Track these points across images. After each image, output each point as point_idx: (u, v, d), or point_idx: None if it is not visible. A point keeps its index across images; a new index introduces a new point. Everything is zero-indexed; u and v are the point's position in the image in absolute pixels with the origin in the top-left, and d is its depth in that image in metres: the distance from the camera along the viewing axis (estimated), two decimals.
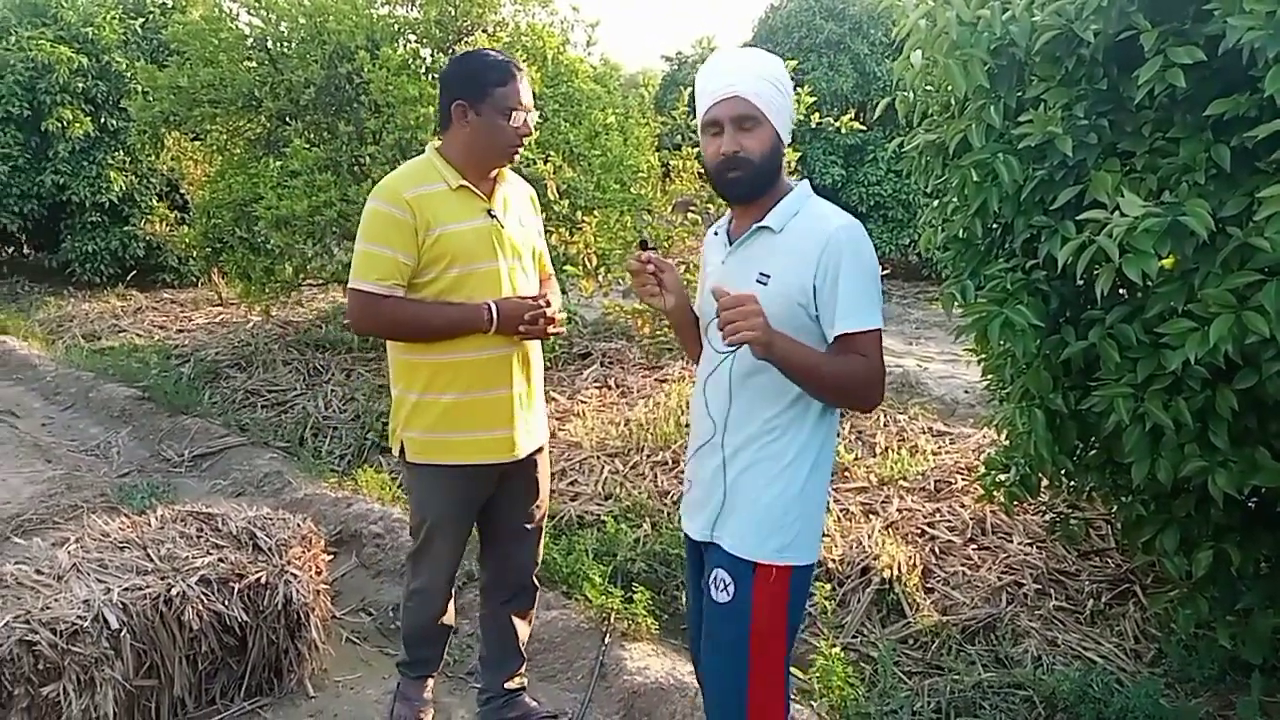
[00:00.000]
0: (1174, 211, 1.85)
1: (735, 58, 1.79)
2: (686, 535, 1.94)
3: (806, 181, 1.84)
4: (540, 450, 2.47)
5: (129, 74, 7.97)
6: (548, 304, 2.28)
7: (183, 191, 8.33)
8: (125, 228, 8.77)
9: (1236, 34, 1.76)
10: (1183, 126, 2.02)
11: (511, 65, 2.21)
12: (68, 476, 4.42)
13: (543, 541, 2.62)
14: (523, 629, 2.62)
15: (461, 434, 2.29)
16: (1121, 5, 1.97)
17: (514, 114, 2.18)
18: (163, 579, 2.66)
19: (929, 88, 2.57)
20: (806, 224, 1.74)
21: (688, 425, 4.52)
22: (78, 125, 8.10)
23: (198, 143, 7.19)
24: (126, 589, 2.59)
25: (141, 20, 8.79)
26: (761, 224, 1.76)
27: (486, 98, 2.17)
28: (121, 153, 8.52)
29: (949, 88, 2.27)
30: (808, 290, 1.70)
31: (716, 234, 1.93)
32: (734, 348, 1.65)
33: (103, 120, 8.41)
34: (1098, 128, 2.11)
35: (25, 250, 10.28)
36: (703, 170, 1.87)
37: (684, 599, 3.18)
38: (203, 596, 2.65)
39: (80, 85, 8.25)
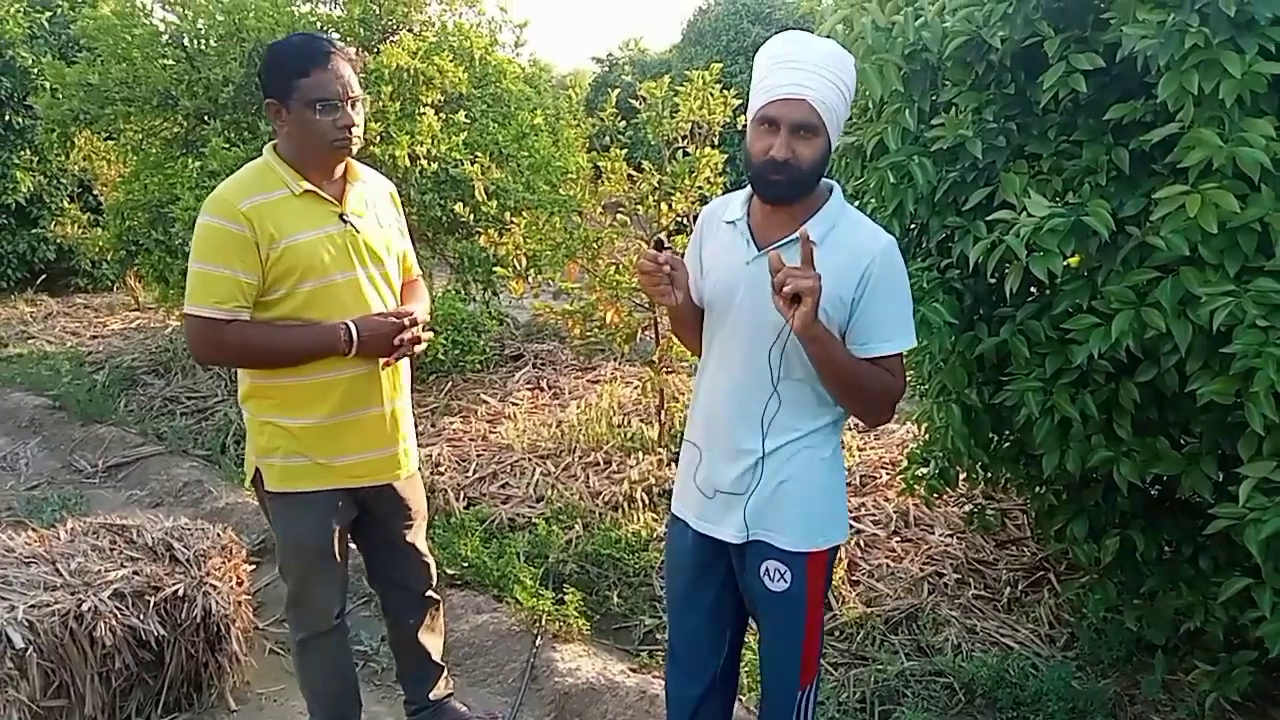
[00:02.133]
0: (1077, 212, 1.93)
1: (811, 51, 1.64)
2: (695, 533, 1.90)
3: (839, 189, 1.77)
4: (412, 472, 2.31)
5: (35, 70, 7.64)
6: (412, 321, 2.09)
7: (96, 193, 8.01)
8: (34, 230, 8.39)
9: (1131, 42, 1.85)
10: (1085, 130, 2.11)
11: (318, 50, 1.96)
12: None
13: (428, 552, 2.44)
14: (433, 641, 2.50)
15: (332, 458, 2.10)
16: (1026, 13, 2.05)
17: (323, 106, 1.95)
18: (72, 594, 2.56)
19: None
20: (847, 237, 1.70)
21: (620, 425, 4.60)
22: None
23: (111, 142, 6.93)
24: (33, 606, 2.48)
25: (48, 14, 8.42)
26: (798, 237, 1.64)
27: (292, 91, 1.94)
28: (28, 152, 8.14)
29: (866, 91, 2.33)
30: (844, 306, 1.68)
31: (733, 224, 1.80)
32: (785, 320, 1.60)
33: (7, 118, 8.04)
34: (1006, 131, 2.19)
35: None
36: (745, 160, 1.70)
37: (613, 598, 3.21)
38: (116, 611, 2.56)
39: None
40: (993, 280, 2.31)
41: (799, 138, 1.61)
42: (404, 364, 2.21)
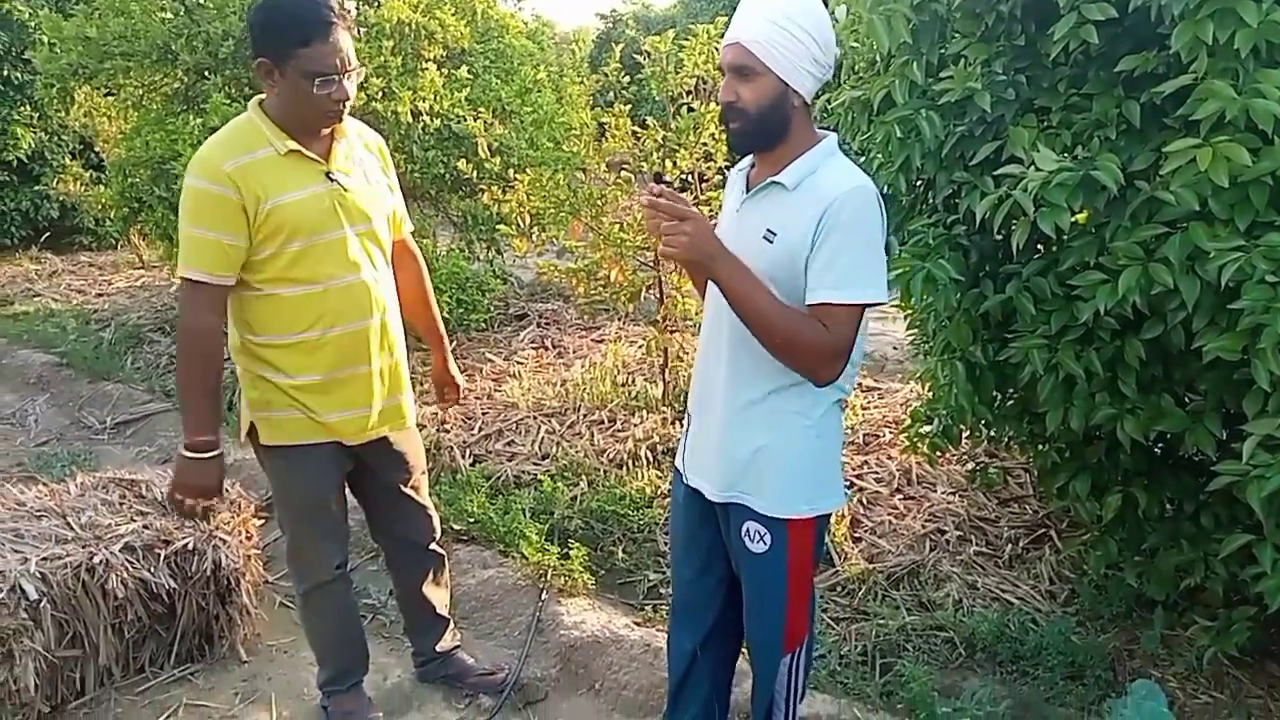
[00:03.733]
0: (1086, 166, 1.90)
1: None
2: (687, 485, 1.93)
3: (833, 137, 1.75)
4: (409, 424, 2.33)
5: (33, 24, 7.55)
6: (195, 506, 2.09)
7: (97, 149, 7.96)
8: (36, 187, 8.35)
9: None
10: (1096, 82, 2.08)
11: (320, 20, 1.89)
12: None
13: (430, 505, 2.47)
14: (438, 595, 2.53)
15: (325, 414, 2.11)
16: None
17: (320, 80, 1.91)
18: (84, 547, 2.59)
19: (854, 44, 2.59)
20: (820, 183, 1.67)
21: (625, 384, 4.61)
22: None
23: (111, 98, 6.87)
24: (45, 558, 2.52)
25: None
26: (775, 179, 1.70)
27: (289, 59, 1.90)
28: (28, 108, 8.08)
29: (873, 43, 2.29)
30: (807, 251, 1.65)
31: (739, 171, 1.85)
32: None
33: (5, 73, 7.96)
34: (1015, 84, 2.15)
35: None
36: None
37: (618, 554, 3.24)
38: (127, 564, 2.59)
39: None
40: (999, 236, 2.29)
41: (740, 80, 1.65)
42: (396, 320, 2.22)
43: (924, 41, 2.30)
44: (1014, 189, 1.96)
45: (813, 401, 1.76)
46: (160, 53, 5.39)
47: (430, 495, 3.52)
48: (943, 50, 2.30)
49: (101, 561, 2.56)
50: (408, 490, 2.39)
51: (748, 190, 1.79)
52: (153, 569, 2.62)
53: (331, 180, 2.05)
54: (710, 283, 1.77)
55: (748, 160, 1.85)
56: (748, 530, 1.83)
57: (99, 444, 4.42)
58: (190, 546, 2.70)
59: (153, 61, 5.45)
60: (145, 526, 2.71)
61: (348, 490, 2.36)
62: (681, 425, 4.15)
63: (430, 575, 2.50)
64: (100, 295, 7.13)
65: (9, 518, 2.70)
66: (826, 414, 1.79)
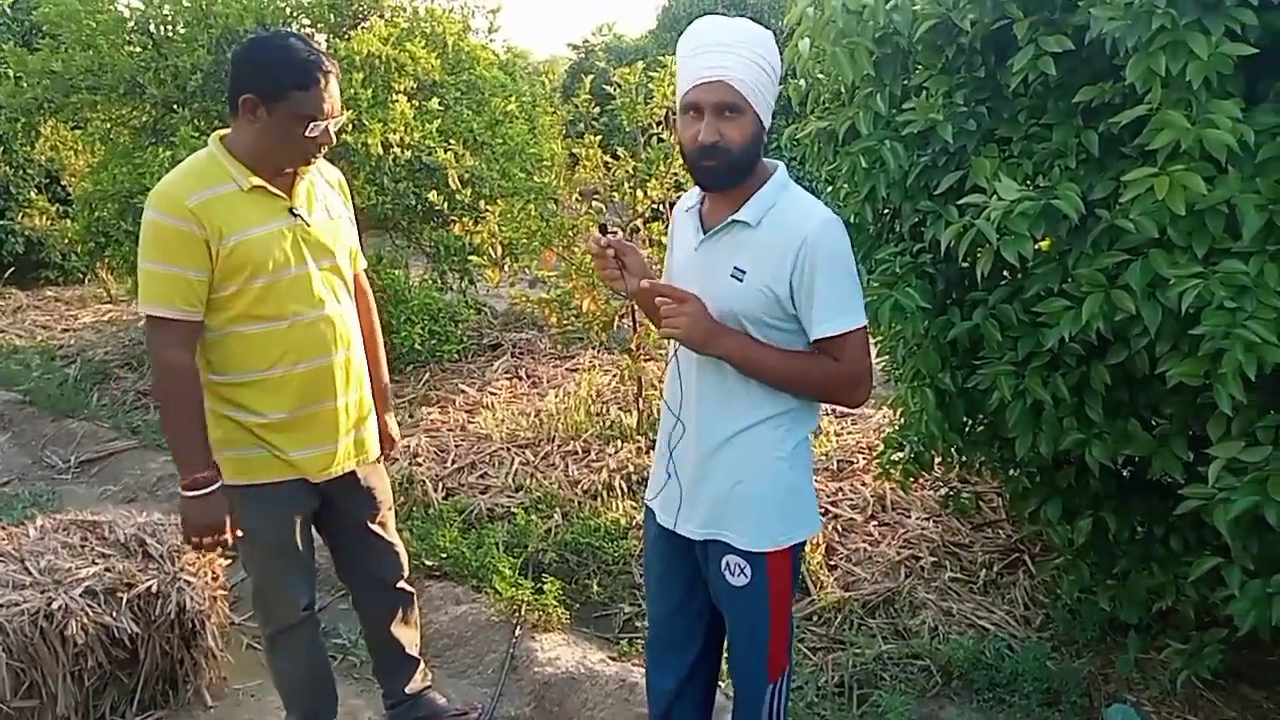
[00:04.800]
0: (1047, 195, 1.93)
1: (725, 33, 1.65)
2: (660, 525, 1.91)
3: (783, 168, 1.76)
4: (375, 459, 2.31)
5: (8, 60, 7.50)
6: (213, 542, 2.02)
7: (64, 183, 7.89)
8: (1, 222, 8.25)
9: (1100, 24, 1.85)
10: (1055, 113, 2.11)
11: (319, 66, 1.94)
12: None
13: (398, 543, 2.42)
14: (407, 635, 2.48)
15: (290, 451, 2.09)
16: None
17: (312, 124, 1.94)
18: (42, 593, 2.52)
19: (820, 75, 2.62)
20: (784, 218, 1.67)
21: (599, 414, 4.59)
22: None
23: (78, 131, 6.82)
24: (1, 605, 2.45)
25: (10, 1, 8.27)
26: (737, 217, 1.69)
27: (282, 99, 1.92)
28: None
29: (838, 76, 2.32)
30: (784, 288, 1.66)
31: (688, 210, 1.84)
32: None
33: None
34: (977, 114, 2.19)
35: None
36: (680, 151, 1.74)
37: (593, 587, 3.20)
38: (88, 609, 2.52)
39: None
40: (965, 264, 2.31)
41: (724, 119, 1.61)
42: (360, 354, 2.21)
43: (887, 74, 2.33)
44: (977, 218, 1.98)
45: (784, 436, 1.75)
46: (128, 86, 5.36)
47: (401, 530, 3.50)
48: (906, 82, 2.34)
49: (60, 607, 2.49)
50: (374, 527, 2.34)
51: (704, 228, 1.78)
52: (114, 613, 2.55)
53: (294, 216, 2.04)
54: None
55: (694, 195, 1.84)
56: (728, 564, 1.82)
57: (62, 484, 4.33)
58: (154, 589, 2.64)
59: (120, 95, 5.42)
60: (107, 569, 2.64)
61: (314, 528, 2.32)
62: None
63: (399, 615, 2.45)
64: (66, 330, 7.02)
65: None
66: (798, 446, 1.78)
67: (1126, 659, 2.71)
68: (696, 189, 1.83)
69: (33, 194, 8.27)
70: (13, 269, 8.50)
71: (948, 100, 2.19)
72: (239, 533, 2.08)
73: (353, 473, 2.23)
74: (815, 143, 2.63)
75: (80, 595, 2.53)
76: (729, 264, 1.70)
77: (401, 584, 2.44)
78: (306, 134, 1.95)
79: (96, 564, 2.66)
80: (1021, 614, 3.04)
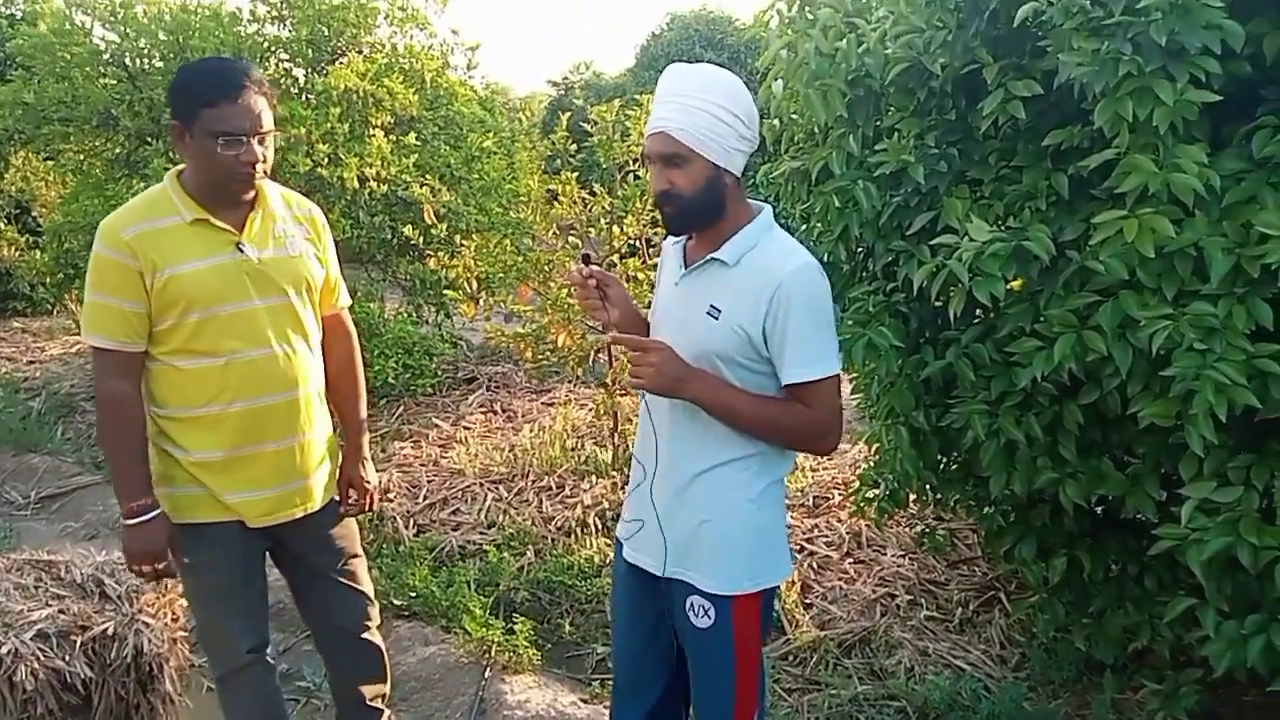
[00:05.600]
0: (1018, 236, 1.95)
1: (675, 83, 1.67)
2: (627, 562, 1.89)
3: (769, 210, 1.75)
4: (329, 503, 2.20)
5: None
6: (152, 571, 1.98)
7: (34, 214, 7.81)
8: None
9: (1068, 69, 1.87)
10: (1025, 155, 2.14)
11: (227, 81, 1.87)
12: None
13: (367, 590, 2.30)
14: (371, 688, 2.36)
15: (225, 493, 2.02)
16: (965, 40, 2.07)
17: (226, 140, 1.87)
18: None
19: (794, 115, 2.64)
20: (761, 261, 1.67)
21: (575, 449, 4.56)
22: None
23: (50, 163, 6.76)
24: None
25: None
26: (715, 255, 1.69)
27: (196, 119, 1.87)
28: None
29: (811, 117, 2.34)
30: (758, 331, 1.65)
31: (674, 244, 1.84)
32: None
33: None
34: (948, 156, 2.21)
35: None
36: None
37: (565, 626, 3.15)
38: (39, 653, 2.43)
39: None
40: (938, 304, 2.32)
41: (671, 168, 1.64)
42: (311, 396, 2.12)
43: (859, 115, 2.35)
44: (949, 258, 1.99)
45: (753, 477, 1.73)
46: (101, 118, 5.35)
47: (371, 569, 3.40)
48: (878, 123, 2.36)
49: (10, 651, 2.39)
50: (336, 575, 2.24)
51: (685, 263, 1.78)
52: (67, 657, 2.46)
53: (240, 250, 1.98)
54: None
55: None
56: (691, 605, 1.79)
57: (21, 520, 4.22)
58: (110, 632, 2.55)
59: (93, 126, 5.40)
60: (61, 611, 2.55)
61: (276, 568, 2.25)
62: None
63: (363, 665, 2.34)
64: (32, 363, 6.89)
65: None
66: (768, 489, 1.76)
67: (1103, 699, 2.69)
68: None
69: (1, 224, 8.18)
70: None
71: (919, 142, 2.21)
72: (184, 561, 2.04)
73: (310, 519, 2.15)
74: (789, 182, 2.64)
75: (31, 639, 2.44)
76: (706, 302, 1.70)
77: (367, 634, 2.32)
78: (221, 151, 1.88)
79: (50, 605, 2.57)
80: (998, 653, 3.02)
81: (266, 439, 2.03)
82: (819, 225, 2.42)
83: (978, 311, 2.41)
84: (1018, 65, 2.08)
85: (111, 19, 5.20)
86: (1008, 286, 2.10)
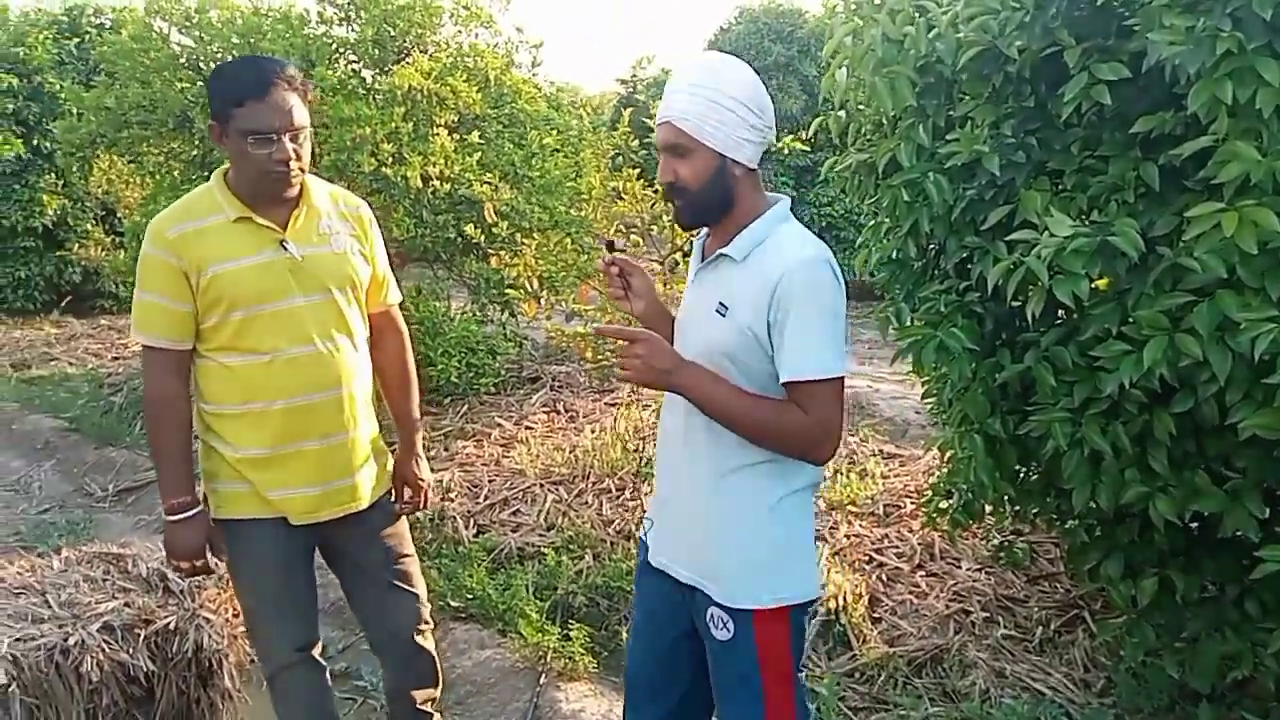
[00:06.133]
0: (1103, 231, 1.80)
1: (679, 75, 1.63)
2: (649, 562, 1.83)
3: (785, 202, 1.69)
4: (377, 503, 2.18)
5: (62, 96, 7.76)
6: (191, 568, 2.02)
7: (119, 215, 8.09)
8: (60, 252, 8.50)
9: (1158, 50, 1.72)
10: (1111, 144, 1.98)
11: (257, 80, 1.88)
12: None
13: (419, 592, 2.28)
14: (421, 693, 2.33)
15: (269, 490, 2.02)
16: (1044, 21, 1.92)
17: (256, 139, 1.87)
18: (60, 627, 2.47)
19: (861, 106, 2.52)
20: (769, 256, 1.60)
21: (636, 450, 4.49)
22: (8, 147, 7.83)
23: (133, 165, 6.99)
24: (18, 639, 2.40)
25: (77, 40, 8.56)
26: (724, 251, 1.64)
27: (229, 119, 1.88)
28: (54, 175, 8.25)
29: (878, 106, 2.21)
30: (762, 328, 1.59)
31: (699, 239, 1.80)
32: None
33: (35, 142, 8.15)
34: (1026, 145, 2.06)
35: None
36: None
37: (623, 633, 3.08)
38: (104, 645, 2.47)
39: (10, 106, 8.00)
40: (1015, 304, 2.17)
41: (676, 159, 1.60)
42: (360, 395, 2.12)
43: (929, 104, 2.22)
44: (1027, 255, 1.85)
45: (769, 484, 1.65)
46: (177, 120, 5.47)
47: (429, 569, 3.43)
48: (950, 112, 2.22)
49: (77, 643, 2.44)
50: (388, 576, 2.23)
51: (702, 258, 1.74)
52: (131, 650, 2.50)
53: (284, 248, 1.98)
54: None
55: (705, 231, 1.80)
56: (711, 616, 1.71)
57: (100, 511, 4.35)
58: (172, 626, 2.58)
59: (170, 129, 5.53)
60: (126, 605, 2.59)
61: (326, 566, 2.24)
62: None
63: (414, 670, 2.32)
64: (116, 359, 7.15)
65: None
66: (789, 499, 1.66)
67: None
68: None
69: (89, 226, 8.51)
70: (70, 298, 8.74)
71: (994, 131, 2.07)
72: (222, 560, 2.07)
73: (358, 517, 2.14)
74: (856, 175, 2.52)
75: (98, 631, 2.48)
76: (714, 299, 1.65)
77: (419, 639, 2.29)
78: (253, 150, 1.88)
79: (116, 599, 2.62)
80: (1081, 677, 2.85)
81: (310, 436, 2.03)
82: (886, 220, 2.29)
83: (1059, 312, 2.25)
84: (1102, 47, 1.92)
85: (187, 24, 5.33)
86: (1092, 285, 1.94)
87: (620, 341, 1.61)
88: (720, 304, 1.63)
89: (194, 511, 2.01)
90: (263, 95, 1.87)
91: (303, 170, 1.98)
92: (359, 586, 2.26)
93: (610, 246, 1.74)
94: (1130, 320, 1.94)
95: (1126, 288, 1.97)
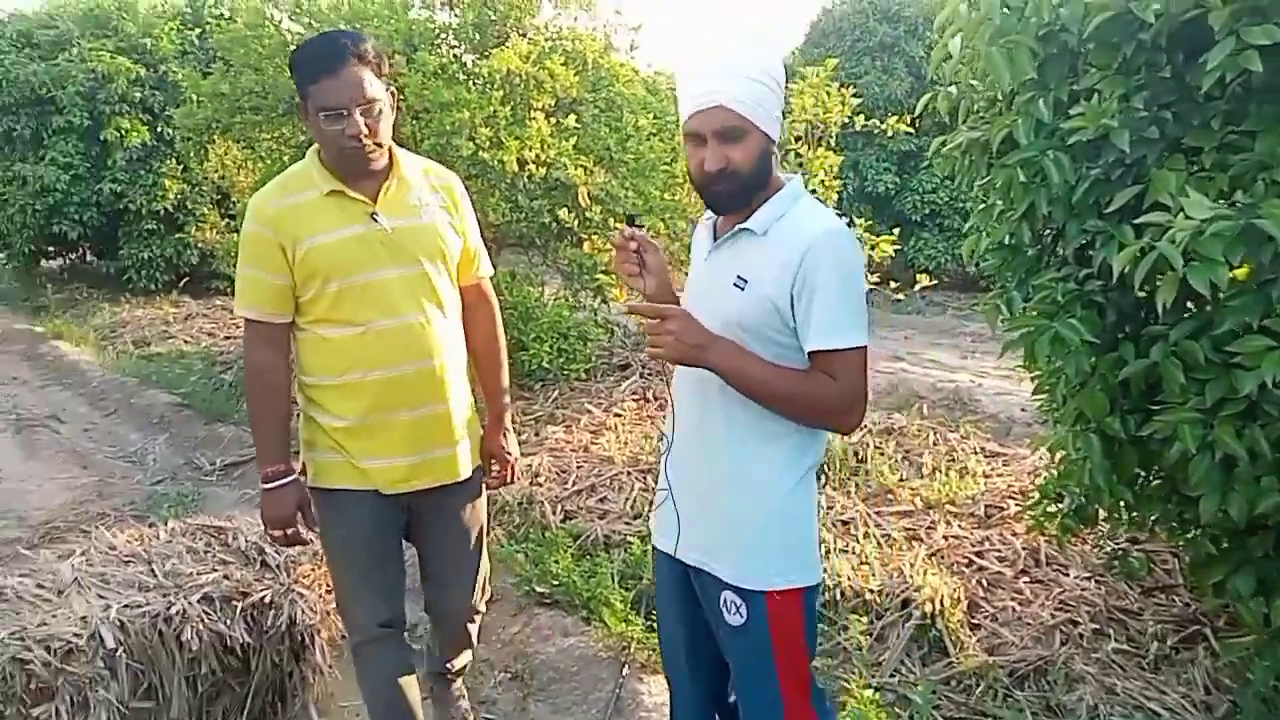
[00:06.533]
0: (1248, 214, 1.62)
1: (718, 55, 1.60)
2: (660, 550, 1.82)
3: (799, 179, 1.70)
4: (465, 482, 2.19)
5: (183, 84, 8.12)
6: (283, 536, 2.06)
7: (234, 199, 8.43)
8: (179, 235, 8.92)
9: None
10: (1259, 118, 1.79)
11: (327, 56, 1.89)
12: (100, 484, 4.43)
13: (480, 575, 2.32)
14: (460, 659, 2.43)
15: (361, 459, 2.06)
16: None
17: (328, 115, 1.89)
18: (164, 596, 2.56)
19: (973, 81, 2.36)
20: (790, 229, 1.60)
21: None
22: (135, 134, 8.26)
23: (247, 150, 7.26)
24: (126, 606, 2.50)
25: (199, 30, 8.94)
26: (744, 226, 1.63)
27: (307, 98, 1.93)
28: (174, 161, 8.66)
29: (993, 80, 2.06)
30: (785, 300, 1.58)
31: (704, 224, 1.80)
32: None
33: (159, 129, 8.56)
34: (1160, 120, 1.88)
35: (86, 258, 10.53)
36: (689, 177, 1.70)
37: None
38: (204, 615, 2.55)
39: (138, 95, 8.42)
40: (1142, 294, 2.00)
41: (727, 143, 1.56)
42: (454, 368, 2.14)
43: (1052, 76, 2.05)
44: (1159, 240, 1.69)
45: (788, 462, 1.66)
46: (287, 106, 5.63)
47: (517, 552, 3.44)
48: (1073, 85, 2.05)
49: (179, 612, 2.52)
50: (455, 556, 2.27)
51: (715, 238, 1.72)
52: (229, 622, 2.57)
53: (374, 220, 2.00)
54: None
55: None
56: (724, 600, 1.69)
57: (208, 485, 4.53)
58: (267, 600, 2.64)
59: (280, 115, 5.69)
60: (225, 577, 2.67)
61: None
62: None
63: (454, 645, 2.40)
64: (229, 338, 7.46)
65: (99, 561, 2.71)
66: (804, 479, 1.68)
67: None
68: None
69: (206, 210, 8.89)
70: (188, 279, 9.19)
71: (1124, 105, 1.90)
72: (314, 531, 2.11)
73: (445, 490, 2.16)
74: (966, 155, 2.36)
75: (198, 601, 2.56)
76: (732, 273, 1.63)
77: (469, 625, 2.36)
78: (325, 126, 1.91)
79: (216, 570, 2.70)
80: (1201, 699, 2.63)
81: (401, 407, 2.05)
82: (1000, 203, 2.14)
83: (1190, 303, 2.07)
84: (1254, 8, 1.73)
85: (297, 11, 5.47)
86: (1231, 274, 1.76)
87: (651, 320, 1.59)
88: (739, 277, 1.62)
89: (288, 480, 2.05)
90: (333, 72, 1.88)
91: (379, 145, 1.99)
92: (428, 559, 2.31)
93: (630, 221, 1.72)
94: (1274, 314, 1.76)
95: (1270, 278, 1.78)
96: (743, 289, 1.61)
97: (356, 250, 1.98)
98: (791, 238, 1.58)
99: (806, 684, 1.72)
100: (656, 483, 1.90)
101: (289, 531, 2.08)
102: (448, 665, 2.44)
